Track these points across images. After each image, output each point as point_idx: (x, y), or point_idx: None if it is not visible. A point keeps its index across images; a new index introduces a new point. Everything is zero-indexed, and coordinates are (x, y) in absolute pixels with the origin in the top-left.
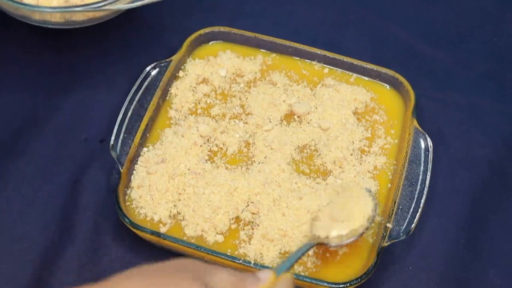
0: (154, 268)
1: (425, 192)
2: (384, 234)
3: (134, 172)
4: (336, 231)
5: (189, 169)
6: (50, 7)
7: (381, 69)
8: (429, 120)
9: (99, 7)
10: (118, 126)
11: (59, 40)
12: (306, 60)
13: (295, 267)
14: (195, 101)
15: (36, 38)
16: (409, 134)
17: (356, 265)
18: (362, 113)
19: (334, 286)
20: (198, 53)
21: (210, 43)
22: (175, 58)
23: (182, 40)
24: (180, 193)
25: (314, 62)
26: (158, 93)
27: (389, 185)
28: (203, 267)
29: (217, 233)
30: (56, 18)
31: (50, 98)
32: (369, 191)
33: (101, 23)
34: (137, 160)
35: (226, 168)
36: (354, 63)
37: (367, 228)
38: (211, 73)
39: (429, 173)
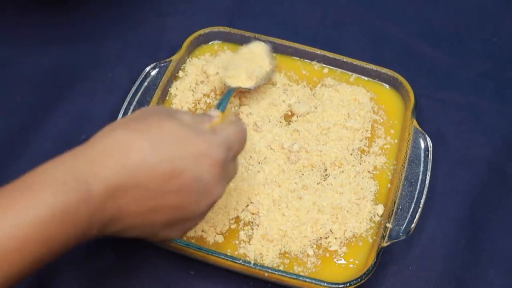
0: (131, 117)
1: (425, 192)
2: (384, 234)
3: None
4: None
5: None
6: None
7: (381, 69)
8: (429, 120)
9: None
10: None
11: (59, 39)
12: (306, 60)
13: (295, 267)
14: (195, 101)
15: (36, 36)
16: (409, 134)
17: (356, 265)
18: (361, 113)
19: (334, 286)
20: (198, 53)
21: (210, 43)
22: (175, 58)
23: (182, 40)
24: None
25: (314, 62)
26: (158, 93)
27: (389, 185)
28: (169, 109)
29: (217, 233)
30: None
31: (50, 98)
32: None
33: (99, 22)
34: None
35: None
36: (354, 63)
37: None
38: (211, 73)
39: (429, 173)
